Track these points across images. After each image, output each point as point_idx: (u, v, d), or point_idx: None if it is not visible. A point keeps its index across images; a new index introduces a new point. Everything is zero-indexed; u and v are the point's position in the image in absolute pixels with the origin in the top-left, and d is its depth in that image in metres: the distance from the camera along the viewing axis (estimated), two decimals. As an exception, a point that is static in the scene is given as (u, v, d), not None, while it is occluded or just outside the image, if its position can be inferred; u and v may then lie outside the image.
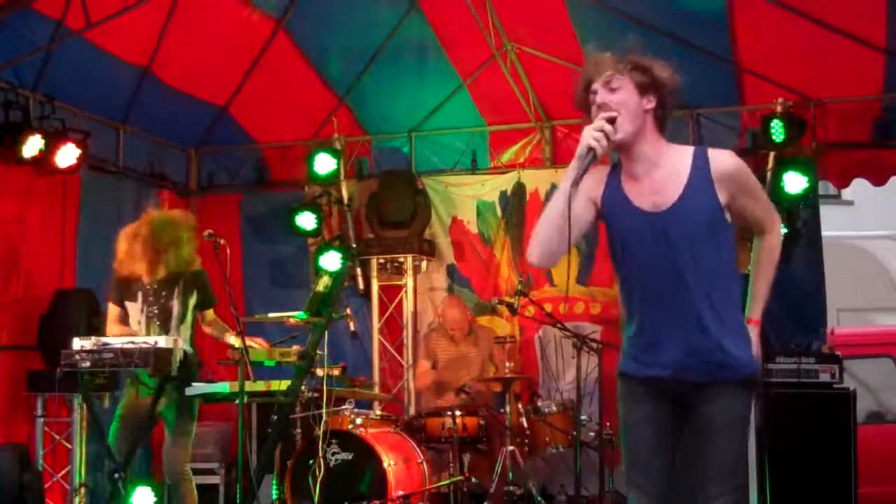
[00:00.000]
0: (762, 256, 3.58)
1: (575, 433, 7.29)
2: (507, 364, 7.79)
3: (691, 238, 3.35)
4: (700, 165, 3.38)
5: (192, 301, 6.20)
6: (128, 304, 6.15)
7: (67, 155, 7.54)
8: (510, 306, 7.87)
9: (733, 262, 3.47)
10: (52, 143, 7.41)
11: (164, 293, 6.13)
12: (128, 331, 6.06)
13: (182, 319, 6.15)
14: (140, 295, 6.13)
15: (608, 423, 7.54)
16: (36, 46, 7.21)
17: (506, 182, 9.24)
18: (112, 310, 6.23)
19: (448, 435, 7.39)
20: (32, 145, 7.28)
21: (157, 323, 6.10)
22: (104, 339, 5.69)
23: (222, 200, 9.70)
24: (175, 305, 6.13)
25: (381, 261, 9.30)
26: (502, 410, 7.71)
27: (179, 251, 6.12)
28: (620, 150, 3.46)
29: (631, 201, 3.44)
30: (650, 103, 3.41)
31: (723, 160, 3.40)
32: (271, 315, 6.89)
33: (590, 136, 3.30)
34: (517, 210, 9.17)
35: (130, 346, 5.55)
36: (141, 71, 8.05)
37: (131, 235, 6.19)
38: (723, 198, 3.37)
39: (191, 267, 6.21)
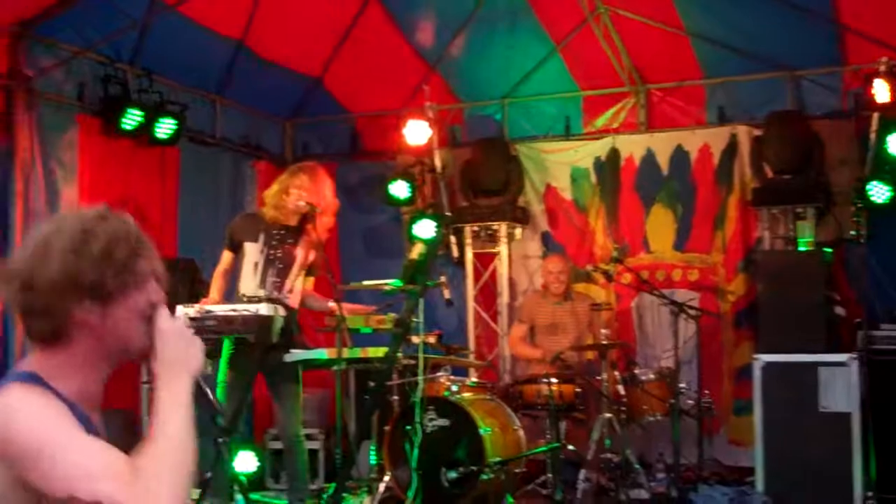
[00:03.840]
0: None
1: (673, 401, 7.22)
2: (604, 331, 7.73)
3: None
4: None
5: (310, 260, 6.32)
6: (248, 244, 6.24)
7: (166, 127, 7.69)
8: (606, 273, 7.81)
9: None
10: (151, 116, 7.57)
11: (290, 240, 6.24)
12: (222, 287, 6.21)
13: (300, 271, 6.26)
14: (263, 237, 6.23)
15: (706, 391, 7.45)
16: (132, 21, 7.33)
17: (600, 148, 9.14)
18: (224, 257, 6.35)
19: (544, 402, 7.36)
20: (132, 118, 7.44)
21: (278, 266, 6.19)
22: (207, 307, 5.81)
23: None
24: (298, 254, 6.23)
25: (475, 229, 9.30)
26: (599, 378, 7.67)
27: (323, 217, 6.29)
28: None
29: None
30: None
31: None
32: (367, 283, 6.94)
33: None
34: (611, 176, 9.07)
35: (233, 313, 5.66)
36: (235, 44, 8.15)
37: (289, 179, 6.32)
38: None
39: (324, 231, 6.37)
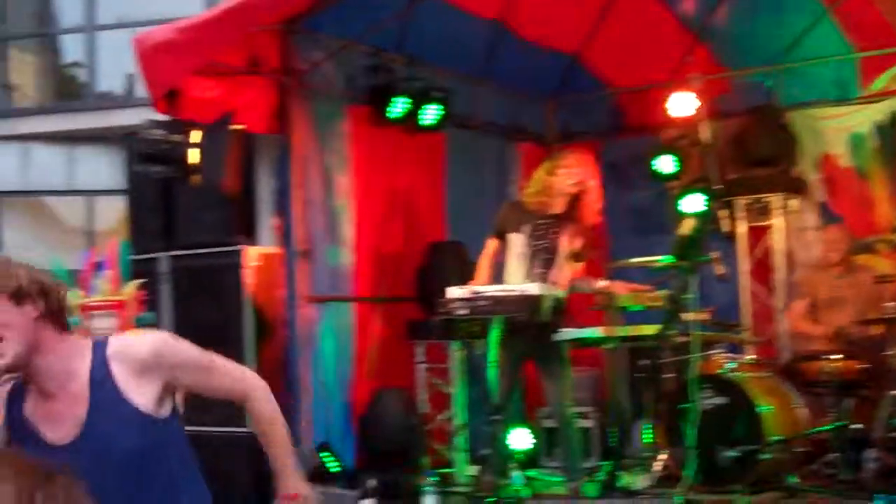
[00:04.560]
0: (262, 429, 2.94)
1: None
2: (890, 304, 7.27)
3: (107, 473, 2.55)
4: (101, 377, 2.63)
5: (576, 246, 6.31)
6: (513, 236, 6.31)
7: (432, 113, 7.85)
8: (891, 244, 7.36)
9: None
10: (417, 102, 7.74)
11: (554, 229, 6.25)
12: (489, 270, 6.28)
13: (566, 259, 6.25)
14: (529, 227, 6.27)
15: None
16: (395, 10, 7.52)
17: (880, 111, 8.59)
18: (490, 244, 6.44)
19: (827, 379, 7.02)
20: (399, 106, 7.64)
21: (543, 258, 6.21)
22: (478, 288, 5.89)
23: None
24: (563, 243, 6.24)
25: (747, 201, 8.97)
26: (886, 354, 7.22)
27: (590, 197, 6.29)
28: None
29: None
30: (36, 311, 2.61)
31: (136, 351, 2.66)
32: (636, 260, 6.84)
33: None
34: (893, 141, 8.52)
35: (503, 293, 5.71)
36: (495, 25, 8.21)
37: (554, 162, 6.37)
38: (153, 390, 2.66)
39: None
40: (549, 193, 6.29)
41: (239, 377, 2.94)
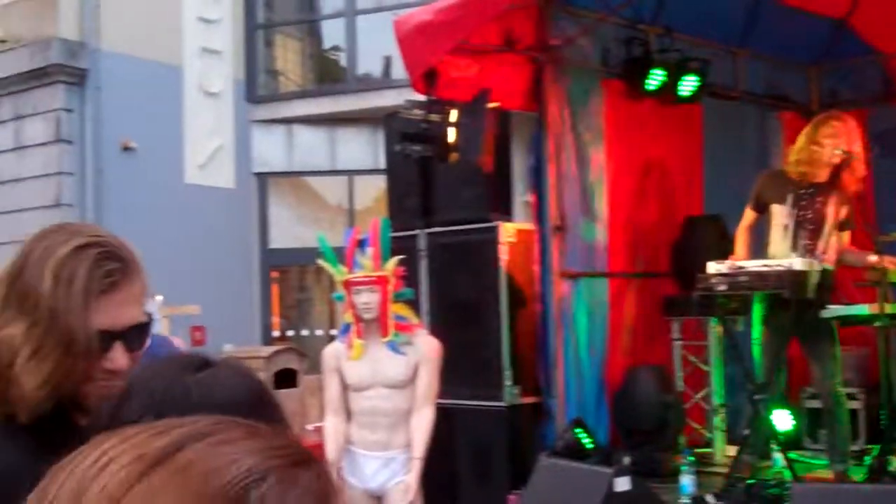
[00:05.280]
0: None
1: None
2: None
3: None
4: None
5: (842, 215, 6.04)
6: (775, 206, 6.11)
7: (688, 84, 7.69)
8: None
9: None
10: (673, 74, 7.60)
11: (819, 198, 6.01)
12: (747, 243, 6.09)
13: (832, 229, 6.00)
14: (791, 198, 6.05)
15: None
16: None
17: None
18: (747, 215, 6.26)
19: None
20: (655, 78, 7.53)
21: (808, 228, 5.99)
22: (739, 263, 5.73)
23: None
24: (829, 213, 5.99)
25: None
26: None
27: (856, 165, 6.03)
28: None
29: None
30: None
31: None
32: (909, 233, 6.45)
33: None
34: None
35: (765, 269, 5.53)
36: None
37: (818, 129, 6.15)
38: None
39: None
40: (813, 162, 6.02)
41: None
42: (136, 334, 1.64)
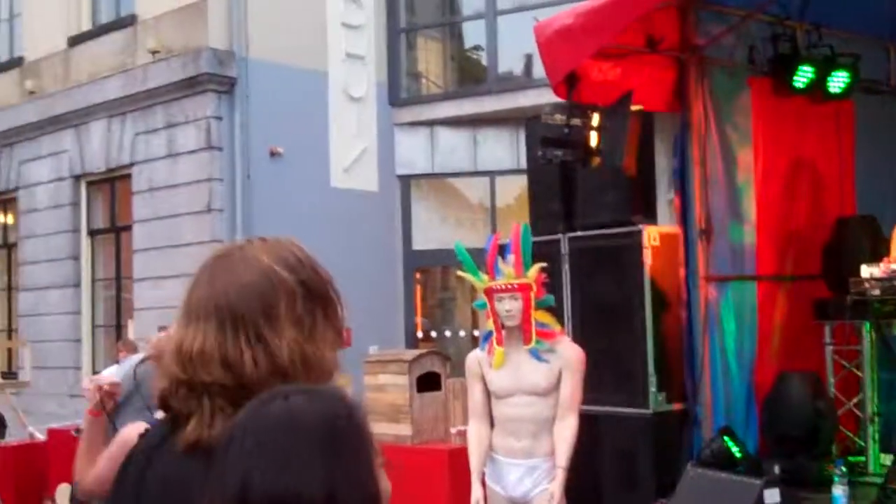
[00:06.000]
0: None
1: None
2: None
3: None
4: None
5: None
6: None
7: (839, 80, 7.46)
8: None
9: None
10: (822, 70, 7.38)
11: None
12: None
13: None
14: None
15: None
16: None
17: None
18: None
19: None
20: (803, 75, 7.32)
21: None
22: (894, 265, 5.53)
23: None
24: None
25: None
26: None
27: None
28: None
29: None
30: None
31: None
32: None
33: None
34: None
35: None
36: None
37: None
38: None
39: None
40: None
41: None
42: None
